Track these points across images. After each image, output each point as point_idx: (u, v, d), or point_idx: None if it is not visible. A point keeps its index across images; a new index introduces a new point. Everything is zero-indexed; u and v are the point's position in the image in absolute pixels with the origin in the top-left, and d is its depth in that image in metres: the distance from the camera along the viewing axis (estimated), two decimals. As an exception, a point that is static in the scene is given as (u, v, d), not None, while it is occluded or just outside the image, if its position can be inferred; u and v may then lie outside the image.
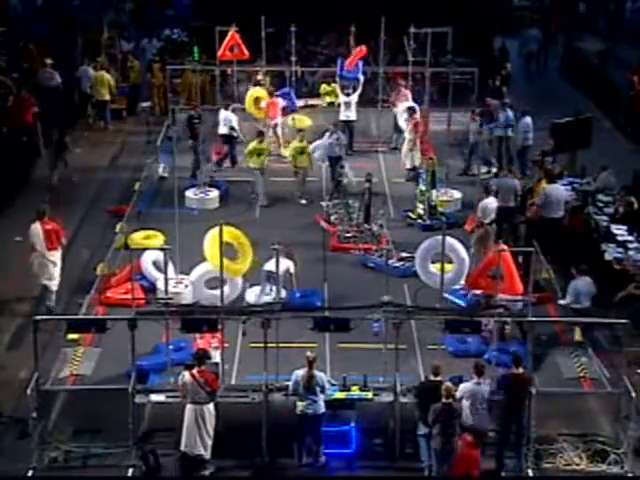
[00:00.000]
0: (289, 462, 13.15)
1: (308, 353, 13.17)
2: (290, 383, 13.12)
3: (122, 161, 24.37)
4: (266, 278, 16.18)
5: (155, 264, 16.90)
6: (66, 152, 22.56)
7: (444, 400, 12.49)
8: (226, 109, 23.42)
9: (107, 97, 26.32)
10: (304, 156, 21.51)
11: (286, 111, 24.48)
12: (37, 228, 16.63)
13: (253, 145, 21.36)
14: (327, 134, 22.02)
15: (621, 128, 26.46)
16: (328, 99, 26.13)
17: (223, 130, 23.21)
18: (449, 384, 12.74)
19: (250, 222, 20.27)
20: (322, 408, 13.05)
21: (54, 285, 16.62)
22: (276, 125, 24.14)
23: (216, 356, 13.88)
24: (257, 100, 24.52)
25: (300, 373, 13.06)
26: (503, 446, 13.01)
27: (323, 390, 13.06)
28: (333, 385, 13.43)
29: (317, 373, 13.08)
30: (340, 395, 13.39)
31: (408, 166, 22.46)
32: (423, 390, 13.02)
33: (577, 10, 36.50)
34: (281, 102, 24.25)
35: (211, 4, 30.43)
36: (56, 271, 16.66)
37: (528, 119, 22.92)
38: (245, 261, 15.99)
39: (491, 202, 18.15)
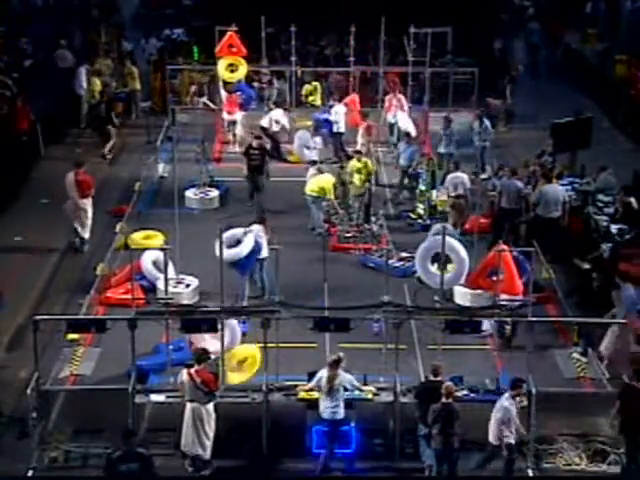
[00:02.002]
0: (289, 462, 13.14)
1: (333, 356, 13.03)
2: (314, 381, 13.02)
3: (122, 161, 24.37)
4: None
5: (155, 264, 16.89)
6: (111, 127, 24.06)
7: (444, 400, 12.49)
8: (279, 107, 24.02)
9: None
10: (360, 176, 20.31)
11: (245, 107, 24.67)
12: (70, 178, 18.92)
13: (329, 180, 19.87)
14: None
15: (621, 128, 26.45)
16: (311, 99, 26.13)
17: (274, 128, 23.49)
18: (450, 384, 12.73)
19: (250, 222, 20.31)
20: (340, 414, 12.88)
21: (85, 232, 18.91)
22: (234, 122, 24.24)
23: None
24: (230, 66, 24.69)
25: (325, 374, 12.90)
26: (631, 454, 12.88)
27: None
28: (353, 389, 13.21)
29: (342, 374, 12.89)
30: None
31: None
32: (423, 390, 13.02)
33: (583, 10, 36.42)
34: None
35: (211, 4, 30.45)
36: (87, 217, 18.92)
37: (486, 122, 22.85)
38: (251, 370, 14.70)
39: (458, 176, 19.25)
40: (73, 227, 18.92)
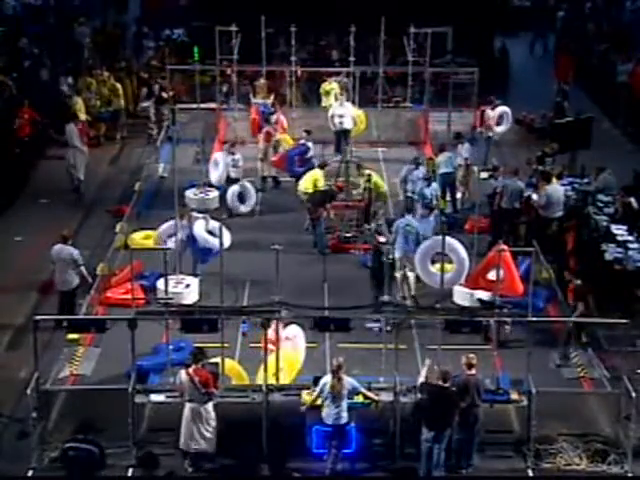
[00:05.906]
0: (289, 462, 13.12)
1: (334, 361, 12.91)
2: (317, 389, 12.90)
3: (122, 161, 24.36)
4: None
5: (209, 232, 17.20)
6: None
7: (468, 372, 12.56)
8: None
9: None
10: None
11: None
12: (72, 128, 21.81)
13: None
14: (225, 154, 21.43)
15: (621, 128, 26.44)
16: (326, 100, 25.98)
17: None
18: (472, 355, 12.77)
19: (249, 222, 20.35)
20: (344, 419, 12.77)
21: (82, 174, 21.80)
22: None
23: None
24: None
25: (328, 380, 12.78)
26: None
27: (351, 397, 12.85)
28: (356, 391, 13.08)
29: (345, 379, 12.78)
30: None
31: (265, 174, 22.14)
32: (429, 394, 12.80)
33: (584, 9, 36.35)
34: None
35: (211, 4, 30.46)
36: (85, 160, 21.99)
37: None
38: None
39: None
40: (70, 173, 21.66)
